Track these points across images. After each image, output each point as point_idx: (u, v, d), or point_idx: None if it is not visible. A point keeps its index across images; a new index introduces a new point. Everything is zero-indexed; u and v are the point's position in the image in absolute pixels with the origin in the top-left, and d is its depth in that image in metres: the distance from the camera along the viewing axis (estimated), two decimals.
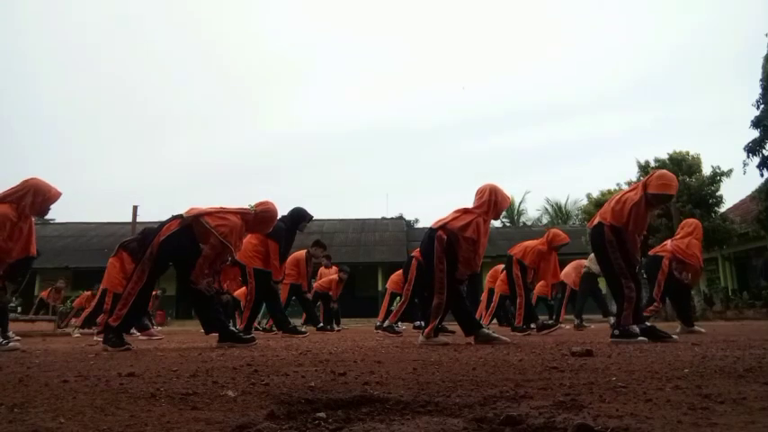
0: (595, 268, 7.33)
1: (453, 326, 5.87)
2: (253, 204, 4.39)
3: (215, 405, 1.34)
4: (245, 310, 6.13)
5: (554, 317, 8.22)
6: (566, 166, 53.32)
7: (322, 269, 9.82)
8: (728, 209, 18.94)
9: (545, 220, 33.19)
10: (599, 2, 62.28)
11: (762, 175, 14.65)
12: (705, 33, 56.98)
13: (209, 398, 1.44)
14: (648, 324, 4.09)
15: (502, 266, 7.96)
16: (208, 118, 58.37)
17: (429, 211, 53.71)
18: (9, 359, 2.93)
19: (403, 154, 59.36)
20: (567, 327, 7.74)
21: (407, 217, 33.73)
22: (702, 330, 5.51)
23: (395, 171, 56.61)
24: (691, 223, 5.74)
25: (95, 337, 6.09)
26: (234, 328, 4.45)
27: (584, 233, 18.75)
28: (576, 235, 17.65)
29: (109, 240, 21.81)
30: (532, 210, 36.90)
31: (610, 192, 18.10)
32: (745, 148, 14.76)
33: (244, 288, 7.61)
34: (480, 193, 4.17)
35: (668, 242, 5.73)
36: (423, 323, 6.53)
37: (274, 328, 7.18)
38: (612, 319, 5.54)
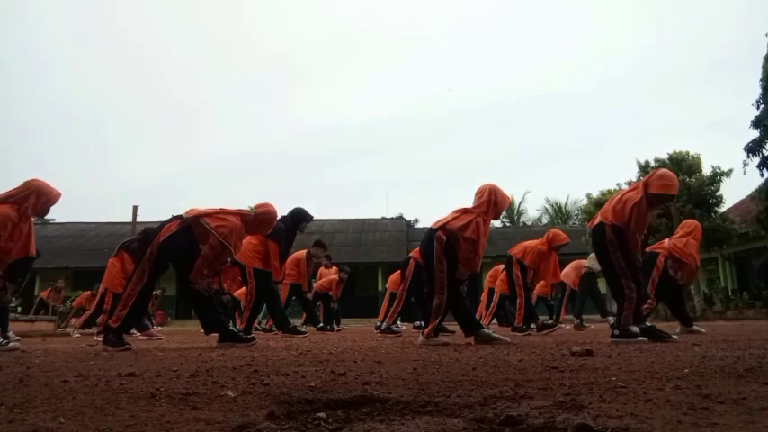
0: (596, 267, 7.33)
1: (453, 326, 5.87)
2: (252, 206, 4.40)
3: (215, 405, 1.34)
4: (245, 310, 6.13)
5: (554, 317, 8.22)
6: (566, 166, 53.36)
7: (322, 269, 9.82)
8: (728, 209, 18.94)
9: (545, 220, 33.21)
10: (599, 1, 62.33)
11: (762, 175, 14.67)
12: (705, 33, 57.07)
13: (209, 398, 1.44)
14: (648, 324, 4.09)
15: (502, 266, 7.97)
16: (208, 118, 58.44)
17: (429, 211, 53.81)
18: (9, 359, 2.93)
19: (403, 154, 59.41)
20: (567, 327, 7.74)
21: (407, 217, 33.79)
22: (702, 330, 5.50)
23: (395, 171, 56.66)
24: (690, 224, 5.76)
25: (95, 338, 6.09)
26: (234, 328, 4.46)
27: (584, 233, 18.76)
28: (576, 235, 17.65)
29: (109, 240, 21.83)
30: (532, 210, 36.97)
31: (610, 192, 18.11)
32: (745, 148, 14.77)
33: (244, 288, 7.62)
34: (480, 192, 4.17)
35: (666, 240, 5.74)
36: (422, 323, 6.55)
37: (274, 328, 7.18)
38: (612, 319, 5.54)
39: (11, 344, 4.04)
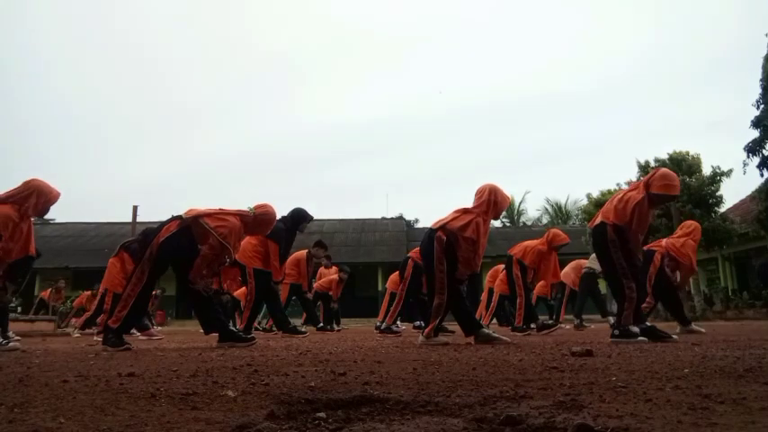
0: (597, 268, 7.32)
1: (453, 326, 5.87)
2: (252, 206, 4.40)
3: (215, 405, 1.34)
4: (245, 310, 6.13)
5: (554, 317, 8.22)
6: (566, 166, 53.37)
7: (322, 269, 9.82)
8: (728, 209, 18.94)
9: (545, 220, 33.21)
10: (600, 1, 62.33)
11: (762, 175, 14.67)
12: (705, 33, 57.07)
13: (209, 398, 1.44)
14: (648, 324, 4.09)
15: (501, 266, 7.97)
16: (208, 118, 58.45)
17: (429, 211, 53.82)
18: (9, 359, 2.93)
19: (403, 154, 59.42)
20: (567, 327, 7.74)
21: (407, 217, 33.79)
22: (702, 330, 5.50)
23: (395, 171, 56.66)
24: (690, 224, 5.77)
25: (95, 338, 6.10)
26: (234, 328, 4.46)
27: (584, 233, 18.76)
28: (576, 235, 17.65)
29: (109, 240, 21.84)
30: (532, 210, 36.99)
31: (610, 192, 18.11)
32: (745, 148, 14.77)
33: (244, 288, 7.62)
34: (480, 192, 4.17)
35: (664, 239, 5.75)
36: (422, 323, 6.54)
37: (274, 328, 7.18)
38: (612, 319, 5.54)
39: (11, 344, 4.04)
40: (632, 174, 18.29)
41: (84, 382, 1.79)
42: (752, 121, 14.51)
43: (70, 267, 20.64)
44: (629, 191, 4.01)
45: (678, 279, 5.55)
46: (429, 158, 57.01)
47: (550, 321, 6.82)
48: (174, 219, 4.06)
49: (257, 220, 4.31)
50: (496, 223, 30.38)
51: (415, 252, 7.10)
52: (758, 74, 14.45)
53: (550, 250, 6.18)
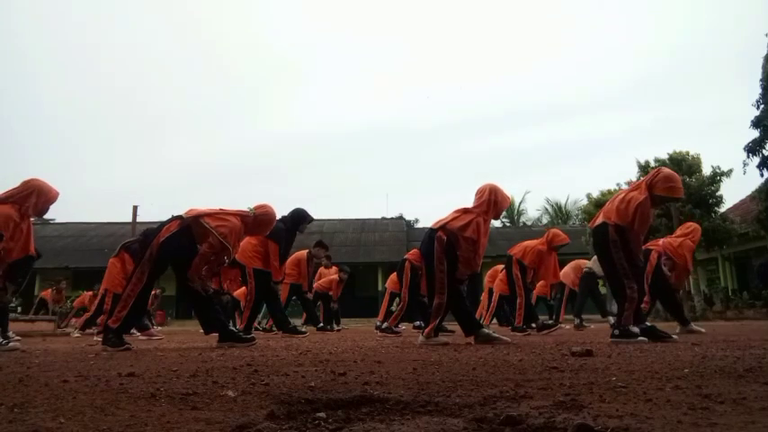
0: (598, 270, 7.32)
1: (453, 325, 5.87)
2: (252, 207, 4.40)
3: (215, 405, 1.34)
4: (245, 310, 6.13)
5: (554, 317, 8.22)
6: (566, 166, 53.38)
7: (322, 269, 9.82)
8: (728, 209, 18.93)
9: (545, 220, 33.20)
10: (599, 2, 62.31)
11: (762, 175, 14.66)
12: (705, 33, 57.05)
13: (209, 398, 1.44)
14: (648, 324, 4.09)
15: (501, 266, 7.97)
16: (208, 118, 58.45)
17: (429, 211, 53.82)
18: (9, 359, 2.93)
19: (403, 154, 59.46)
20: (567, 327, 7.74)
21: (407, 217, 33.76)
22: (702, 330, 5.50)
23: (395, 171, 56.70)
24: (689, 225, 5.79)
25: (95, 338, 6.09)
26: (234, 328, 4.46)
27: (584, 233, 18.76)
28: (576, 235, 17.65)
29: (109, 240, 21.84)
30: (532, 210, 36.95)
31: (610, 192, 18.10)
32: (745, 148, 14.76)
33: (243, 288, 7.62)
34: (480, 192, 4.17)
35: (661, 239, 5.75)
36: (422, 323, 6.55)
37: (274, 328, 7.18)
38: (612, 319, 5.54)
39: (11, 344, 4.04)
40: (632, 174, 18.30)
41: (84, 382, 1.79)
42: (752, 121, 14.51)
43: (70, 267, 20.64)
44: (631, 191, 4.00)
45: (673, 279, 5.54)
46: (429, 158, 57.04)
47: (550, 321, 6.82)
48: (174, 219, 4.06)
49: (257, 221, 4.31)
50: (496, 223, 30.40)
51: (411, 254, 7.11)
52: (758, 74, 14.45)
53: (550, 250, 6.18)
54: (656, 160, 17.74)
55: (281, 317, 6.37)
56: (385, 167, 57.11)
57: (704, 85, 57.98)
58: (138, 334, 6.60)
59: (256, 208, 4.39)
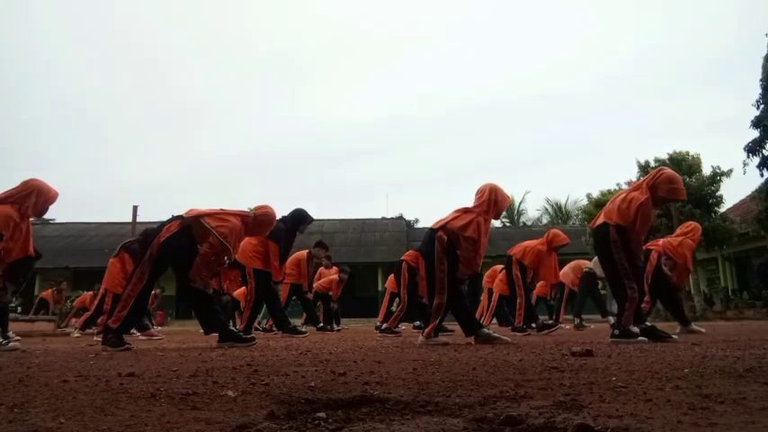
0: (599, 271, 7.32)
1: (452, 325, 5.87)
2: (252, 207, 4.40)
3: (215, 405, 1.34)
4: (245, 310, 6.14)
5: (554, 317, 8.22)
6: (566, 166, 53.37)
7: (322, 269, 9.83)
8: (728, 209, 18.93)
9: (545, 220, 33.19)
10: (600, 2, 62.33)
11: (762, 175, 14.66)
12: (705, 33, 57.07)
13: (209, 398, 1.44)
14: (648, 324, 4.09)
15: (500, 267, 7.97)
16: (208, 118, 58.44)
17: (429, 211, 53.80)
18: (9, 359, 2.93)
19: (403, 154, 59.41)
20: (567, 327, 7.74)
21: (407, 217, 33.77)
22: (702, 330, 5.50)
23: (395, 171, 56.66)
24: (689, 225, 5.78)
25: (95, 338, 6.09)
26: (234, 328, 4.46)
27: (584, 233, 18.76)
28: (576, 235, 17.64)
29: (109, 240, 21.83)
30: (532, 210, 36.94)
31: (610, 192, 18.09)
32: (745, 148, 14.76)
33: (243, 288, 7.61)
34: (480, 192, 4.17)
35: (661, 239, 5.75)
36: (422, 323, 6.54)
37: (274, 328, 7.18)
38: (612, 319, 5.54)
39: (11, 344, 4.04)
40: (632, 174, 18.29)
41: (84, 382, 1.79)
42: (752, 121, 14.51)
43: (70, 267, 20.64)
44: (632, 191, 4.00)
45: (674, 279, 5.54)
46: (429, 158, 57.04)
47: (550, 321, 6.82)
48: (174, 219, 4.06)
49: (257, 221, 4.31)
50: (496, 223, 30.39)
51: (407, 255, 7.11)
52: (758, 74, 14.45)
53: (550, 250, 6.17)
54: (656, 160, 17.74)
55: (281, 317, 6.37)
56: (385, 167, 57.12)
57: (704, 85, 58.05)
58: (138, 334, 6.60)
59: (256, 208, 4.39)
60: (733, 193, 34.88)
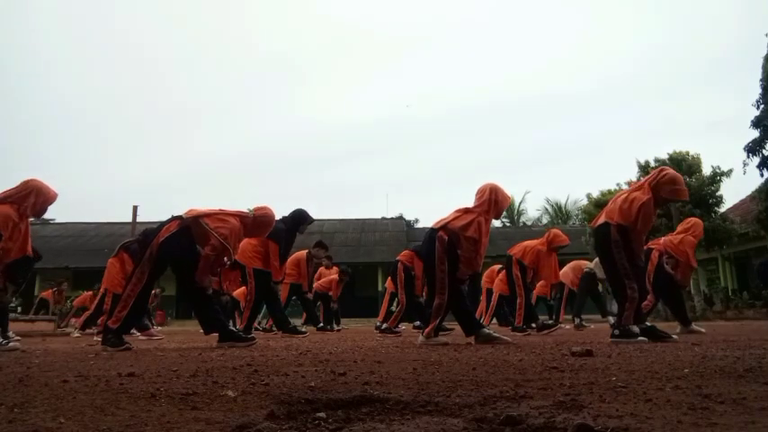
0: (600, 272, 7.32)
1: (452, 324, 5.86)
2: (251, 208, 4.40)
3: (215, 405, 1.34)
4: (245, 310, 6.14)
5: (554, 317, 8.22)
6: (566, 166, 53.37)
7: (322, 269, 9.83)
8: (728, 209, 18.94)
9: (545, 220, 33.19)
10: (600, 2, 62.34)
11: (762, 175, 14.65)
12: (705, 33, 57.07)
13: (209, 398, 1.44)
14: (648, 324, 4.09)
15: (498, 267, 7.98)
16: (208, 118, 58.45)
17: (429, 211, 53.80)
18: (9, 359, 2.93)
19: (403, 154, 59.41)
20: (567, 327, 7.74)
21: (407, 217, 33.77)
22: (702, 330, 5.50)
23: (395, 171, 56.65)
24: (689, 221, 5.77)
25: (95, 338, 6.09)
26: (234, 328, 4.46)
27: (584, 233, 18.76)
28: (576, 235, 17.65)
29: (109, 240, 21.83)
30: (532, 210, 36.92)
31: (610, 192, 18.09)
32: (745, 148, 14.76)
33: (243, 288, 7.61)
34: (481, 192, 4.17)
35: (662, 238, 5.75)
36: (422, 323, 6.54)
37: (274, 328, 7.18)
38: (612, 319, 5.53)
39: (11, 344, 4.04)
40: (632, 174, 18.30)
41: (84, 382, 1.79)
42: (752, 121, 14.50)
43: (70, 267, 20.63)
44: (634, 191, 3.99)
45: (678, 277, 5.53)
46: (429, 158, 57.03)
47: (550, 321, 6.82)
48: (173, 219, 4.06)
49: (256, 222, 4.31)
50: (497, 223, 30.38)
51: (403, 255, 7.11)
52: (758, 74, 14.44)
53: (550, 251, 6.17)
54: (656, 160, 17.74)
55: (281, 317, 6.37)
56: (385, 167, 57.11)
57: (704, 85, 58.05)
58: (138, 334, 6.59)
59: (256, 209, 4.39)
60: (733, 193, 34.92)
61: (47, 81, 55.13)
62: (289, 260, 7.28)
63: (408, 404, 1.30)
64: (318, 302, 9.38)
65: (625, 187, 15.65)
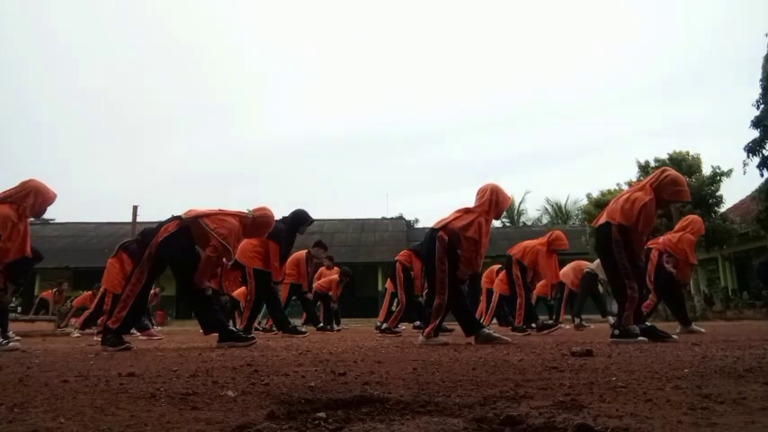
0: (602, 275, 7.33)
1: (452, 325, 5.86)
2: (251, 209, 4.40)
3: (215, 405, 1.34)
4: (245, 310, 6.14)
5: (554, 317, 8.22)
6: (566, 166, 53.39)
7: (323, 269, 9.83)
8: (728, 209, 18.93)
9: (545, 220, 33.18)
10: (600, 3, 62.34)
11: (762, 175, 14.65)
12: (705, 33, 57.08)
13: (209, 398, 1.43)
14: (648, 324, 4.09)
15: (497, 267, 7.97)
16: (208, 118, 58.46)
17: (429, 211, 53.80)
18: (9, 359, 2.93)
19: (403, 154, 59.42)
20: (567, 327, 7.74)
21: (407, 217, 33.77)
22: (702, 330, 5.50)
23: (395, 171, 56.67)
24: (686, 218, 5.77)
25: (95, 337, 6.09)
26: (233, 328, 4.45)
27: (584, 233, 18.76)
28: (576, 235, 17.66)
29: (109, 240, 21.82)
30: (532, 210, 36.92)
31: (610, 192, 18.07)
32: (745, 148, 14.75)
33: (243, 288, 7.61)
34: (481, 192, 4.17)
35: (661, 237, 5.75)
36: (422, 323, 6.54)
37: (274, 328, 7.18)
38: (612, 319, 5.53)
39: (11, 344, 4.04)
40: (632, 174, 18.30)
41: (84, 382, 1.79)
42: (752, 121, 14.50)
43: (70, 267, 20.63)
44: (636, 191, 3.98)
45: (678, 275, 5.52)
46: (429, 158, 57.04)
47: (550, 321, 6.82)
48: (173, 219, 4.05)
49: (255, 223, 4.31)
50: (497, 223, 30.35)
51: (401, 255, 7.11)
52: (758, 74, 14.45)
53: (550, 251, 6.17)
54: (656, 160, 17.74)
55: (281, 317, 6.37)
56: (385, 167, 57.14)
57: (704, 85, 58.05)
58: (138, 334, 6.59)
59: (255, 210, 4.39)
60: (733, 193, 34.88)
61: (47, 81, 55.18)
62: (288, 260, 7.28)
63: (408, 404, 1.30)
64: (318, 302, 9.38)
65: (625, 187, 15.67)
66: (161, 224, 4.04)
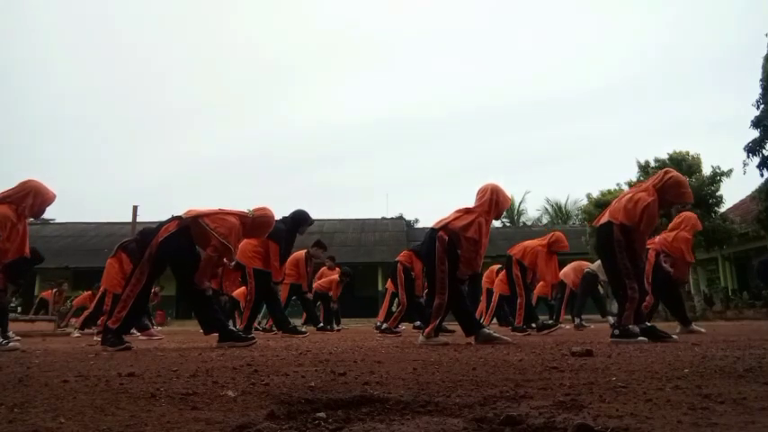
0: (602, 276, 7.32)
1: (453, 325, 5.86)
2: (251, 209, 4.40)
3: (215, 405, 1.34)
4: (245, 310, 6.14)
5: (554, 317, 8.22)
6: (566, 166, 53.38)
7: (324, 270, 9.83)
8: (728, 209, 18.92)
9: (545, 220, 33.17)
10: (600, 2, 62.33)
11: (762, 175, 14.65)
12: (705, 33, 57.07)
13: (209, 398, 1.43)
14: (648, 324, 4.08)
15: (497, 267, 7.97)
16: (208, 117, 58.47)
17: (429, 211, 53.86)
18: (9, 359, 2.93)
19: (403, 154, 59.43)
20: (567, 327, 7.74)
21: (407, 217, 33.77)
22: (702, 330, 5.50)
23: (395, 171, 56.66)
24: (680, 216, 5.75)
25: (95, 337, 6.09)
26: (233, 328, 4.45)
27: (584, 233, 18.75)
28: (576, 235, 17.66)
29: (108, 240, 21.81)
30: (532, 210, 36.90)
31: (610, 192, 18.06)
32: (745, 148, 14.75)
33: (243, 288, 7.61)
34: (481, 192, 4.17)
35: (657, 237, 5.74)
36: (422, 323, 6.54)
37: (274, 328, 7.18)
38: (612, 319, 5.53)
39: (11, 344, 4.04)
40: (632, 174, 18.29)
41: (84, 382, 1.79)
42: (752, 121, 14.49)
43: (70, 267, 20.63)
44: (639, 191, 3.98)
45: (675, 274, 5.52)
46: (429, 158, 57.05)
47: (550, 321, 6.82)
48: (173, 219, 4.05)
49: (255, 223, 4.31)
50: (497, 223, 30.36)
51: (402, 255, 7.11)
52: (758, 74, 14.44)
53: (550, 252, 6.17)
54: (656, 160, 17.72)
55: (281, 317, 6.37)
56: (385, 167, 57.13)
57: (704, 85, 58.07)
58: (138, 334, 6.60)
59: (255, 210, 4.39)
60: (733, 193, 34.89)
61: (47, 81, 55.17)
62: (288, 260, 7.28)
63: (408, 404, 1.30)
64: (318, 302, 9.38)
65: (625, 187, 15.67)
66: (161, 224, 4.04)
